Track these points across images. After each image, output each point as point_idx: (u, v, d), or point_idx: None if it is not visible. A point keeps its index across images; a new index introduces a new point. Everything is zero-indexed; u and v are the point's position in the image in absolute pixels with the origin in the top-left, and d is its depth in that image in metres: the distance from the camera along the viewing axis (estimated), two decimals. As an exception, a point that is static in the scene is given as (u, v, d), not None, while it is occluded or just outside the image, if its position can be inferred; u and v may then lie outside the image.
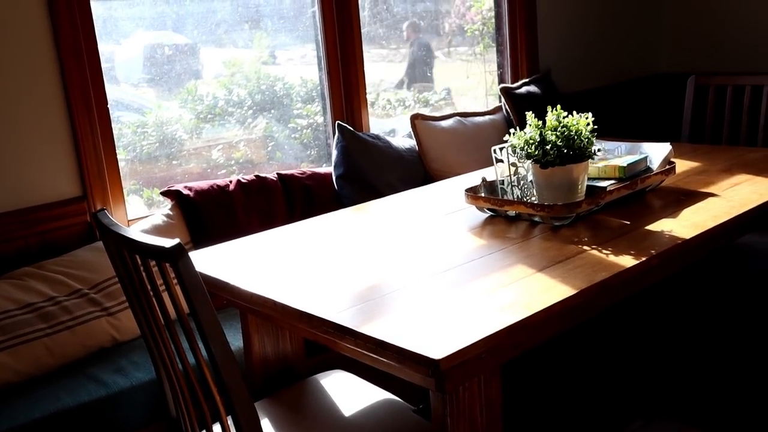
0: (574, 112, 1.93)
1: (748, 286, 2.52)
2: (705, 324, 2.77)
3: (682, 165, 2.38)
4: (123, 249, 1.36)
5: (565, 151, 1.88)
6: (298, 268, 1.77)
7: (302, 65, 2.90)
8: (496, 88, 3.33)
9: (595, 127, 1.92)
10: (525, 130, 1.96)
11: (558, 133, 1.90)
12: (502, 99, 3.04)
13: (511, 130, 2.00)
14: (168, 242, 1.19)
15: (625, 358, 2.74)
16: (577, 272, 1.56)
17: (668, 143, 2.19)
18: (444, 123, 2.92)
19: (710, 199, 2.01)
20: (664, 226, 1.82)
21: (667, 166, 2.14)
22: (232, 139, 2.74)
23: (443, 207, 2.19)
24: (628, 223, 1.88)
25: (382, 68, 3.23)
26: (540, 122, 1.95)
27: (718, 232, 1.80)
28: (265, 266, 1.80)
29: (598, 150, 1.95)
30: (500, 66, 3.34)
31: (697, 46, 3.79)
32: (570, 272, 1.57)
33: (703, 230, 1.77)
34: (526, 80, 3.18)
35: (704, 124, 2.96)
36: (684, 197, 2.05)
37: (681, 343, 2.76)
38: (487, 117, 3.04)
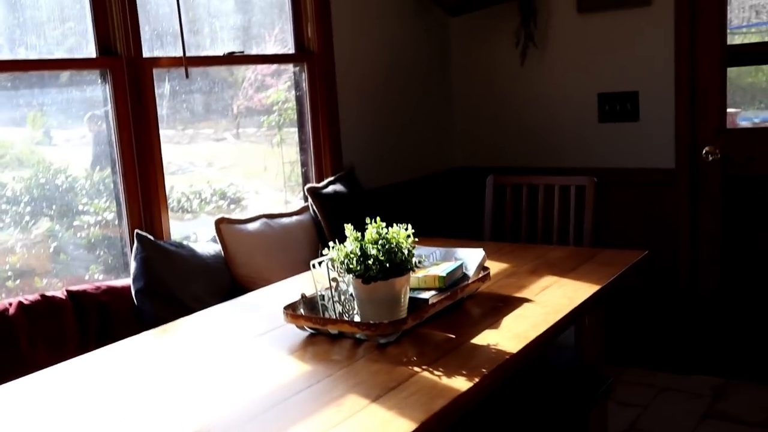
0: (395, 224, 1.88)
1: (556, 380, 2.58)
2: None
3: (492, 266, 2.41)
4: None
5: (387, 264, 1.82)
6: (92, 416, 1.53)
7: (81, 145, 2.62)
8: (295, 180, 3.27)
9: (416, 239, 1.88)
10: (345, 243, 1.88)
11: (379, 246, 1.84)
12: (309, 199, 2.97)
13: (330, 243, 1.91)
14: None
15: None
16: (413, 401, 1.48)
17: (481, 249, 2.21)
18: (250, 226, 2.78)
19: (526, 306, 2.04)
20: (488, 338, 1.80)
21: (482, 273, 2.16)
22: (5, 243, 2.40)
23: (258, 324, 2.04)
24: (453, 336, 1.84)
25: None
26: (359, 234, 1.88)
27: (540, 341, 1.81)
28: (53, 414, 1.54)
29: (419, 262, 1.92)
30: (304, 164, 3.29)
31: (487, 142, 3.99)
32: (406, 401, 1.48)
33: (527, 342, 1.76)
34: (332, 179, 3.15)
35: (504, 221, 3.07)
36: (501, 304, 2.06)
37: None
38: (295, 218, 2.95)
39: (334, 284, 1.93)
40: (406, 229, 1.89)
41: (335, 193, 3.05)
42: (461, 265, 2.13)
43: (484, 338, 1.80)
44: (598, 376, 2.47)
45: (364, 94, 3.48)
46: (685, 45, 3.39)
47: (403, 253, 1.85)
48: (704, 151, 3.41)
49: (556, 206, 2.93)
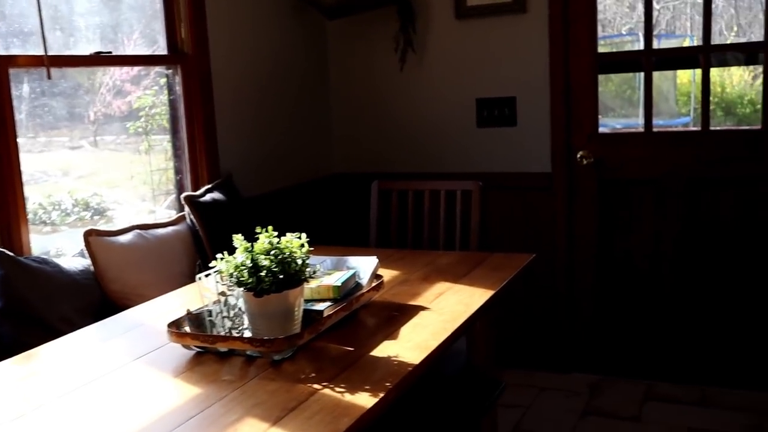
0: (287, 234, 1.77)
1: (448, 388, 2.54)
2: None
3: (383, 274, 2.34)
4: None
5: (281, 276, 1.71)
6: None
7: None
8: (164, 189, 3.08)
9: (311, 248, 1.79)
10: (235, 254, 1.75)
11: (272, 257, 1.72)
12: (186, 208, 2.80)
13: (219, 255, 1.78)
14: None
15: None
16: (317, 421, 1.38)
17: (375, 257, 2.14)
18: (122, 238, 2.58)
19: (422, 314, 1.98)
20: (388, 350, 1.73)
21: (376, 281, 2.09)
22: None
23: (136, 345, 1.87)
24: (352, 349, 1.75)
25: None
26: (250, 245, 1.76)
27: (441, 350, 1.76)
28: None
29: (314, 272, 1.82)
30: (178, 171, 3.10)
31: (366, 147, 3.94)
32: (309, 422, 1.38)
33: (428, 351, 1.70)
34: (209, 186, 2.98)
35: (390, 227, 3.02)
36: (397, 312, 2.00)
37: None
38: (170, 228, 2.77)
39: (222, 298, 1.80)
40: (299, 238, 1.79)
41: (213, 201, 2.90)
42: (354, 274, 2.05)
43: (384, 350, 1.73)
44: (490, 382, 2.46)
45: (242, 98, 3.34)
46: (560, 52, 3.47)
47: (296, 264, 1.75)
48: (579, 156, 3.51)
49: (442, 211, 2.91)
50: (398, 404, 1.68)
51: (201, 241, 2.81)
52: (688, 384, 3.48)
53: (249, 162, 3.38)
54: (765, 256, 3.29)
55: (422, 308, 2.02)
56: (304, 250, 1.77)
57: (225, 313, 1.78)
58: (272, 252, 1.73)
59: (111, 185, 3.22)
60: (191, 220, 2.82)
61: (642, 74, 3.42)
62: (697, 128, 3.39)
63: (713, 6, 3.24)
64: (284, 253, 1.74)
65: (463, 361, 2.44)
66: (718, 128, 3.64)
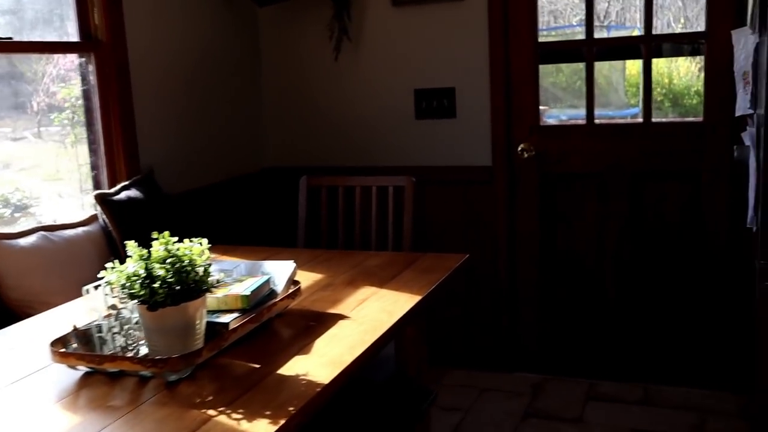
0: (187, 240, 1.61)
1: (377, 397, 2.41)
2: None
3: (305, 278, 2.19)
4: None
5: (178, 287, 1.54)
6: None
7: None
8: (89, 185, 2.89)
9: (212, 255, 1.62)
10: (127, 263, 1.58)
11: (168, 266, 1.56)
12: (98, 207, 2.60)
13: (108, 264, 1.60)
14: None
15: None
16: (204, 456, 1.22)
17: (292, 261, 1.98)
18: (24, 240, 2.38)
19: (341, 323, 1.83)
20: (298, 367, 1.58)
21: (292, 288, 1.93)
22: None
23: (19, 366, 1.68)
24: (258, 366, 1.59)
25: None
26: (146, 252, 1.59)
27: (356, 366, 1.61)
28: None
29: (218, 281, 1.65)
30: (94, 167, 2.90)
31: (301, 140, 3.78)
32: (195, 457, 1.22)
33: (342, 368, 1.55)
34: (126, 183, 2.79)
35: (320, 226, 2.86)
36: (314, 322, 1.85)
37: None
38: (81, 230, 2.57)
39: (113, 312, 1.62)
40: (201, 244, 1.62)
41: (129, 199, 2.70)
42: (268, 281, 1.89)
43: (294, 367, 1.58)
44: (421, 390, 2.32)
45: (165, 90, 3.15)
46: (499, 41, 3.34)
47: (196, 272, 1.59)
48: (520, 148, 3.39)
49: (374, 209, 2.76)
50: (324, 412, 1.53)
51: (115, 243, 2.62)
52: (631, 382, 3.40)
53: (174, 157, 3.19)
54: (708, 252, 3.22)
55: (342, 317, 1.87)
56: (204, 257, 1.60)
57: (117, 329, 1.61)
58: (169, 260, 1.56)
59: (45, 179, 3.01)
60: (104, 220, 2.62)
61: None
62: (640, 120, 3.29)
63: (656, -5, 3.14)
64: (182, 261, 1.57)
65: (392, 369, 2.30)
66: (661, 120, 3.55)
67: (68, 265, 2.46)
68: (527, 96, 3.37)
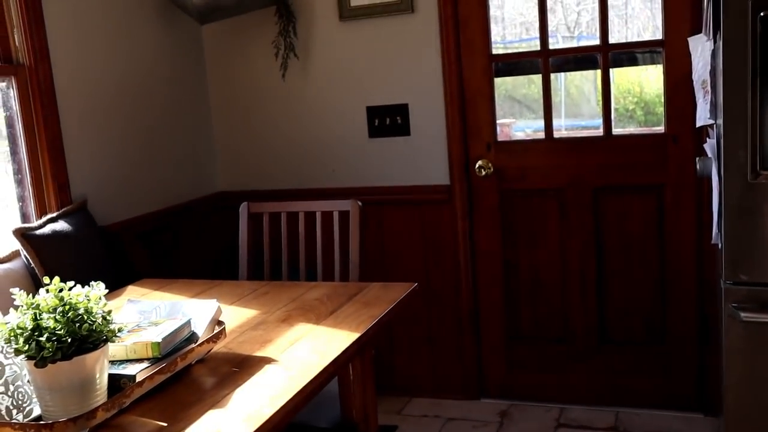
0: (78, 287, 1.43)
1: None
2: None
3: (236, 315, 2.02)
4: None
5: (69, 339, 1.37)
6: None
7: None
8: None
9: (108, 305, 1.44)
10: (10, 316, 1.40)
11: (59, 316, 1.38)
12: (18, 243, 2.41)
13: (-8, 316, 1.42)
14: None
15: None
16: None
17: (215, 300, 1.80)
18: (-66, 283, 2.19)
19: (268, 368, 1.66)
20: (211, 424, 1.40)
21: (216, 329, 1.76)
22: None
23: None
24: (165, 425, 1.42)
25: None
26: (34, 301, 1.41)
27: (278, 420, 1.44)
28: None
29: (119, 330, 1.48)
30: (21, 199, 2.71)
31: (251, 163, 3.61)
32: None
33: (258, 425, 1.38)
34: (53, 215, 2.60)
35: (262, 255, 2.69)
36: (237, 369, 1.67)
37: None
38: (0, 267, 2.38)
39: None
40: (98, 287, 1.45)
41: (54, 233, 2.52)
42: (188, 323, 1.71)
43: (206, 424, 1.40)
44: (369, 433, 2.14)
45: (99, 113, 2.96)
46: (452, 55, 3.20)
47: (93, 320, 1.41)
48: (477, 166, 3.25)
49: (319, 236, 2.59)
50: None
51: (40, 282, 2.42)
52: (602, 406, 3.25)
53: (111, 184, 3.01)
54: (673, 270, 3.08)
55: (269, 360, 1.70)
56: (102, 304, 1.43)
57: (2, 389, 1.43)
58: (60, 309, 1.39)
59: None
60: (26, 257, 2.43)
61: (562, 75, 3.18)
62: (600, 133, 3.16)
63: (629, 9, 3.01)
64: (76, 309, 1.40)
65: (336, 412, 2.12)
66: (620, 132, 3.42)
67: (-15, 307, 2.26)
68: (483, 111, 3.23)
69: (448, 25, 3.19)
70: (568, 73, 3.58)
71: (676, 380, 3.15)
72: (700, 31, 2.83)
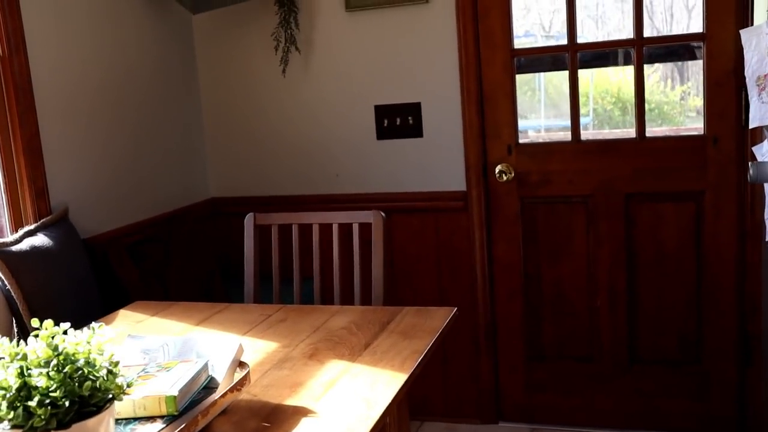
0: (75, 332, 1.13)
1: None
2: None
3: (254, 349, 1.72)
4: None
5: (67, 402, 1.06)
6: None
7: None
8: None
9: (114, 356, 1.14)
10: (-11, 372, 1.09)
11: (52, 372, 1.07)
12: (-8, 263, 2.09)
13: (-34, 372, 1.11)
14: None
15: None
16: None
17: (235, 336, 1.51)
18: None
19: (304, 423, 1.36)
20: (248, 506, 1.11)
21: (238, 372, 1.46)
22: None
23: None
24: (190, 508, 1.12)
25: None
26: (19, 352, 1.10)
27: (330, 496, 1.15)
28: None
29: (128, 385, 1.18)
30: (-6, 210, 2.39)
31: (247, 167, 3.31)
32: None
33: (310, 507, 1.09)
34: (30, 228, 2.28)
35: (271, 274, 2.38)
36: (268, 423, 1.38)
37: None
38: (-29, 291, 2.06)
39: (-25, 440, 1.13)
40: (101, 331, 1.14)
41: (33, 249, 2.19)
42: (205, 366, 1.41)
43: (241, 506, 1.11)
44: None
45: (80, 111, 2.64)
46: (470, 49, 2.93)
47: (97, 375, 1.11)
48: (497, 170, 2.98)
49: (336, 251, 2.30)
50: None
51: (17, 306, 2.10)
52: (630, 431, 3.00)
53: (95, 192, 2.69)
54: (711, 280, 2.84)
55: (305, 412, 1.41)
56: (109, 356, 1.13)
57: (-21, 466, 1.12)
58: (54, 363, 1.08)
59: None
60: (1, 278, 2.11)
61: (543, 75, 2.92)
62: (632, 136, 2.91)
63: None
64: (75, 361, 1.10)
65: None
66: (655, 134, 3.17)
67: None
68: (504, 111, 2.96)
69: (465, 15, 2.91)
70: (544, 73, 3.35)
71: (714, 403, 2.90)
72: (747, 25, 2.60)
